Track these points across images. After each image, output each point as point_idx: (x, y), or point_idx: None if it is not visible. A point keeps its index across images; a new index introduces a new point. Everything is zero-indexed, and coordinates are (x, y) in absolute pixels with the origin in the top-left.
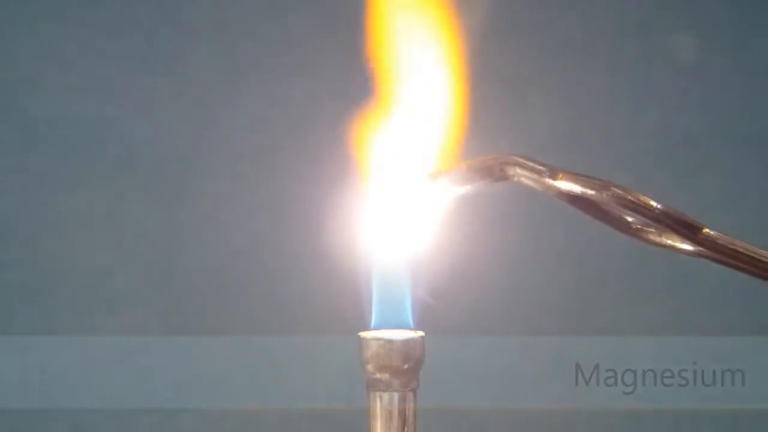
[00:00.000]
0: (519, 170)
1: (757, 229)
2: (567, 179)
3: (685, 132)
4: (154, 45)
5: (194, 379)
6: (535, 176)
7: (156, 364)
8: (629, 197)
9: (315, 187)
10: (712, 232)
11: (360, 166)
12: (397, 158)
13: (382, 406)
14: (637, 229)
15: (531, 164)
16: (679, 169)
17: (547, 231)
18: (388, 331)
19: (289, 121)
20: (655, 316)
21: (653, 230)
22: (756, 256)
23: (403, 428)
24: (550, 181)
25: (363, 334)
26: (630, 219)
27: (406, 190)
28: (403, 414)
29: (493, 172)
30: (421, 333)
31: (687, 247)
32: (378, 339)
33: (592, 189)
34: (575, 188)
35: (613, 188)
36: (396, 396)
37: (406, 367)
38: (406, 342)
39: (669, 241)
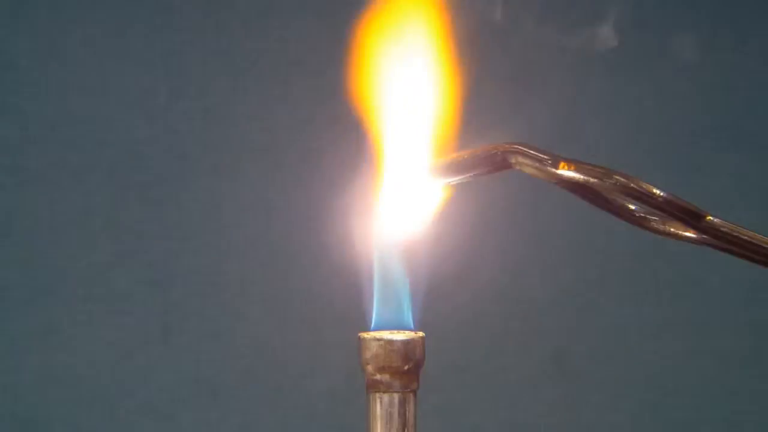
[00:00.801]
0: (521, 159)
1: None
2: (570, 167)
3: (687, 131)
4: (154, 44)
5: (194, 379)
6: (537, 164)
7: (155, 364)
8: (632, 185)
9: (315, 187)
10: (715, 220)
11: (361, 165)
12: (399, 153)
13: (382, 408)
14: (641, 217)
15: (533, 153)
16: (679, 169)
17: (548, 231)
18: (389, 332)
19: (289, 121)
20: (656, 316)
21: (656, 218)
22: (759, 243)
23: (404, 430)
24: (553, 170)
25: (363, 334)
26: (633, 207)
27: (407, 186)
28: (403, 415)
29: (495, 161)
30: (421, 334)
31: (690, 234)
32: (378, 340)
33: (594, 177)
34: (578, 176)
35: (615, 176)
36: (396, 397)
37: (406, 368)
38: (407, 343)
39: (672, 229)
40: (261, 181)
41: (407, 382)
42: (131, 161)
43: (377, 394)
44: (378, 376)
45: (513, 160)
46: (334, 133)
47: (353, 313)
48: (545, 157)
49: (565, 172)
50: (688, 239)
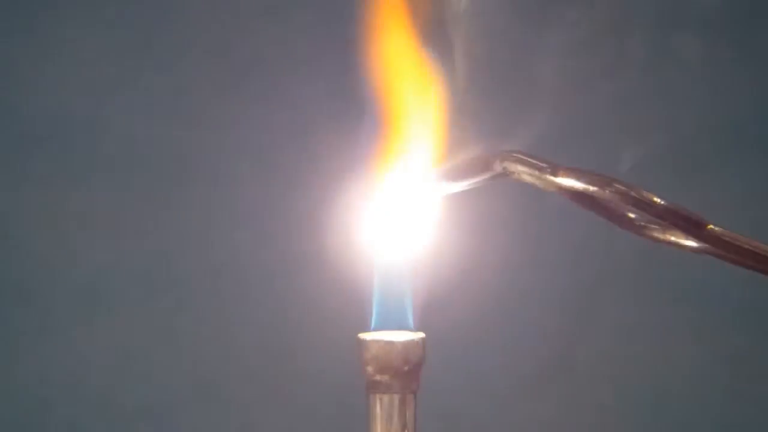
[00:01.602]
0: (519, 166)
1: (764, 229)
2: (568, 175)
3: (688, 130)
4: (153, 44)
5: (194, 379)
6: (535, 173)
7: (155, 364)
8: (632, 193)
9: (315, 188)
10: (716, 228)
11: (361, 167)
12: (397, 158)
13: (382, 408)
14: (641, 225)
15: (531, 160)
16: (682, 168)
17: (548, 231)
18: (389, 333)
19: (289, 121)
20: (657, 317)
21: (657, 227)
22: (761, 252)
23: (404, 430)
24: (551, 178)
25: (363, 335)
26: (633, 215)
27: (405, 189)
28: (403, 416)
29: (492, 168)
30: (421, 334)
31: (691, 243)
32: (378, 340)
33: (594, 185)
34: (577, 185)
35: (615, 184)
36: (396, 398)
37: (406, 368)
38: (407, 344)
39: (673, 238)
40: (261, 181)
41: (407, 382)
42: (131, 161)
43: (377, 395)
44: (378, 377)
45: (511, 168)
46: (334, 134)
47: (353, 314)
48: (544, 164)
49: (564, 180)
50: (689, 248)
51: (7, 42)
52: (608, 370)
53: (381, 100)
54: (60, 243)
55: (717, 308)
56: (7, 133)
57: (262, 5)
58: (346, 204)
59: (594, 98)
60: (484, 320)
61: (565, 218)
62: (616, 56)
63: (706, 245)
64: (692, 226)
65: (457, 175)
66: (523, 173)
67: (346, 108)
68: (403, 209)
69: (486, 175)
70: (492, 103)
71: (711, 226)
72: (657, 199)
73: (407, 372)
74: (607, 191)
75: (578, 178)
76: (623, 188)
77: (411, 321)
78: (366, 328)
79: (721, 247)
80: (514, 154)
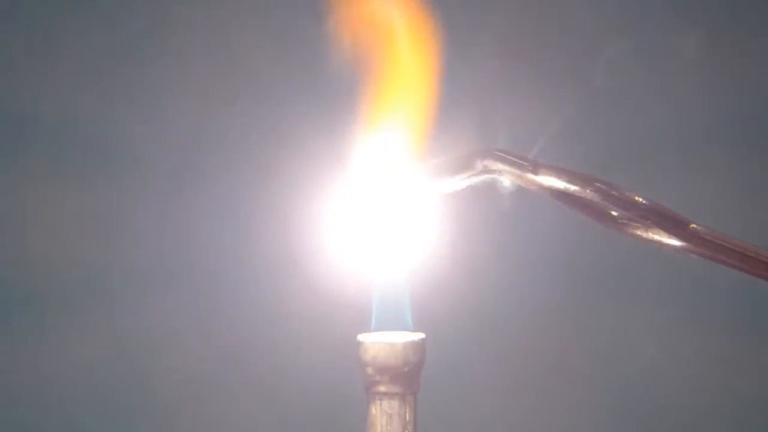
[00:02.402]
0: (500, 165)
1: (761, 227)
2: (549, 174)
3: (686, 130)
4: (153, 44)
5: (194, 379)
6: (516, 171)
7: (155, 364)
8: (613, 193)
9: (315, 188)
10: (699, 227)
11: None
12: (384, 157)
13: (382, 409)
14: (623, 224)
15: (512, 158)
16: (680, 167)
17: (547, 231)
18: (388, 334)
19: (289, 122)
20: (657, 317)
21: (639, 225)
22: (743, 251)
23: (404, 431)
24: (532, 176)
25: (363, 336)
26: (615, 214)
27: (393, 189)
28: (403, 417)
29: (474, 166)
30: (421, 335)
31: (674, 242)
32: (378, 342)
33: (575, 184)
34: (558, 183)
35: (597, 183)
36: (396, 399)
37: (406, 369)
38: (406, 344)
39: (656, 237)
40: (260, 180)
41: (407, 383)
42: (131, 161)
43: (377, 396)
44: (378, 378)
45: (492, 166)
46: (334, 134)
47: (353, 315)
48: (525, 163)
49: (545, 179)
50: (672, 247)
51: (7, 42)
52: (607, 370)
53: (366, 98)
54: (59, 243)
55: (715, 308)
56: (7, 133)
57: (261, 4)
58: (346, 205)
59: (588, 96)
60: (483, 320)
61: (564, 218)
62: (616, 56)
63: (689, 244)
64: (674, 226)
65: (437, 173)
66: (505, 171)
67: (345, 108)
68: (394, 209)
69: (466, 173)
70: (487, 101)
71: (693, 226)
72: (638, 198)
73: (407, 373)
74: (588, 190)
75: (560, 177)
76: (604, 187)
77: (410, 322)
78: (366, 329)
79: (704, 246)
80: (495, 152)
